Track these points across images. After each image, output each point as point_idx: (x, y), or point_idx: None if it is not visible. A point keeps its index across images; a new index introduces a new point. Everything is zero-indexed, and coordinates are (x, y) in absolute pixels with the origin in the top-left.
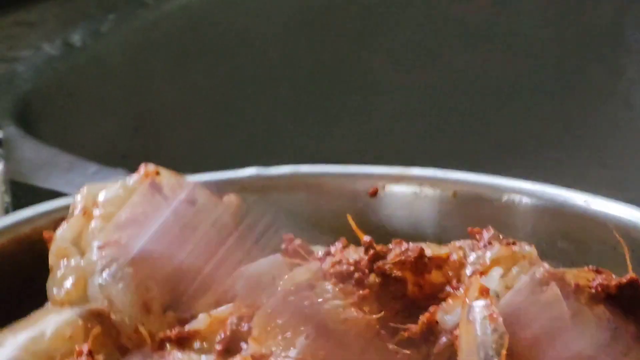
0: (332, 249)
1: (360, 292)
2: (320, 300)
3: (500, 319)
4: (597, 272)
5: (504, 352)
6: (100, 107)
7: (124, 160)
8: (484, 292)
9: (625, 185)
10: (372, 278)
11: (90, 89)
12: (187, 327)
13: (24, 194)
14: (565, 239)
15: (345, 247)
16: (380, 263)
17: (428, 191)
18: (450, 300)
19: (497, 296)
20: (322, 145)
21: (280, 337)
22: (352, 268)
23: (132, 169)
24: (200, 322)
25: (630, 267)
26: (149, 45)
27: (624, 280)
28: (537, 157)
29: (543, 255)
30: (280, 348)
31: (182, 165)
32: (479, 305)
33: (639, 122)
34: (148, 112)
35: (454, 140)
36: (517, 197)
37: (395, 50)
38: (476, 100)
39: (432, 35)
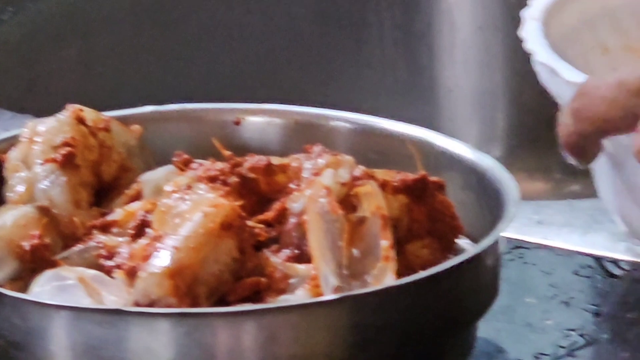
0: (204, 163)
1: (225, 189)
2: (196, 195)
3: (340, 211)
4: (398, 172)
5: (345, 235)
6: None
7: (22, 111)
8: (327, 190)
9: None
10: (233, 179)
11: None
12: (108, 218)
13: None
14: (374, 152)
15: (213, 162)
16: (238, 169)
17: (277, 121)
18: (295, 193)
19: (331, 188)
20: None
21: (171, 224)
22: (218, 173)
23: (36, 116)
24: (117, 214)
25: (420, 168)
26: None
27: (417, 176)
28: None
29: (359, 163)
30: (171, 230)
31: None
32: (322, 200)
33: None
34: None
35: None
36: (340, 123)
37: None
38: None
39: None
